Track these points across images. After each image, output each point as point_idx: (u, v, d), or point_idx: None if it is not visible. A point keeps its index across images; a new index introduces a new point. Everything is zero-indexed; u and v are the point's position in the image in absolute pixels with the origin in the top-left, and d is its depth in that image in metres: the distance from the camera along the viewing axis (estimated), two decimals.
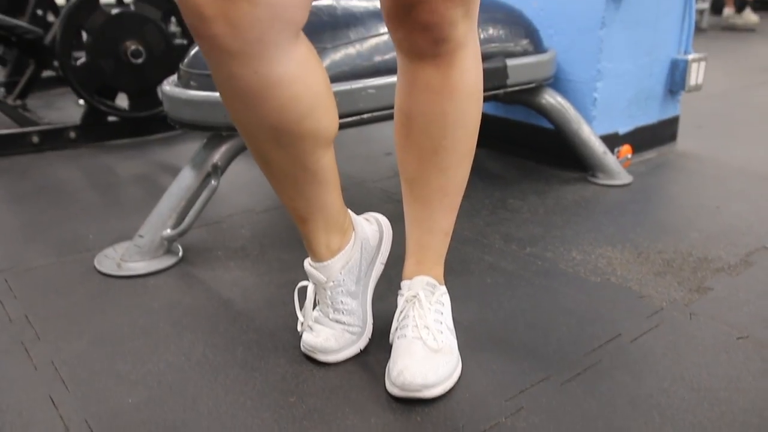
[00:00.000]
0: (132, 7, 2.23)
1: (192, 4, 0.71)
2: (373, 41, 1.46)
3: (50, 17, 3.37)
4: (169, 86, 1.42)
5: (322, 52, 1.39)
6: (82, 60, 2.20)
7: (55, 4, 3.46)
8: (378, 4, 1.54)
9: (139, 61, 2.21)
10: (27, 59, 2.80)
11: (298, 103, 0.80)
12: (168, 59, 2.28)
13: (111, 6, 2.27)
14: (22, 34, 2.46)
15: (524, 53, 1.76)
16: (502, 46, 1.72)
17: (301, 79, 0.79)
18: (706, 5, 5.66)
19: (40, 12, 3.10)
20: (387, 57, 1.48)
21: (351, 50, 1.44)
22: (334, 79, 1.40)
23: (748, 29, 5.94)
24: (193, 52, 1.43)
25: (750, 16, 6.28)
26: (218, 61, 0.76)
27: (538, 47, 1.81)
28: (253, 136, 0.85)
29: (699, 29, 5.62)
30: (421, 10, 0.85)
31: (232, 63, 0.74)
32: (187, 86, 1.38)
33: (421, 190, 1.02)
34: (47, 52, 2.58)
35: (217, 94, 1.32)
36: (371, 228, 1.09)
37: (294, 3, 0.73)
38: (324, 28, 1.43)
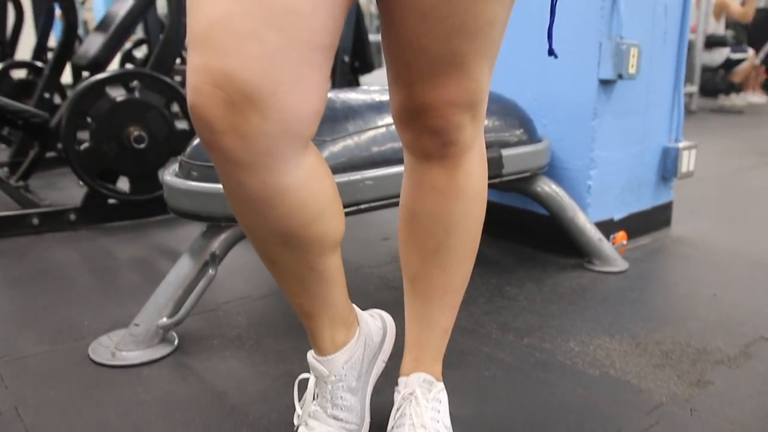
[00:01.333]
0: (137, 94, 2.29)
1: (203, 117, 0.72)
2: (371, 133, 1.50)
3: (57, 99, 3.46)
4: (169, 176, 1.44)
5: (321, 144, 1.43)
6: (86, 145, 2.24)
7: (62, 87, 3.57)
8: (375, 97, 1.59)
9: (142, 146, 2.26)
10: (32, 141, 2.86)
11: (306, 210, 0.81)
12: (170, 144, 2.33)
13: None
14: (29, 118, 2.52)
15: (519, 143, 1.80)
16: (498, 137, 1.77)
17: (309, 187, 0.80)
18: (695, 88, 5.83)
19: (47, 95, 3.19)
20: (384, 148, 1.51)
21: (349, 142, 1.48)
22: (333, 170, 1.42)
23: (737, 111, 6.10)
24: (194, 143, 1.46)
25: (738, 100, 6.47)
26: (227, 171, 0.76)
27: (532, 137, 1.85)
28: (261, 240, 0.85)
29: (689, 111, 5.77)
30: (430, 115, 0.88)
31: (241, 173, 0.75)
32: (187, 177, 1.41)
33: (423, 287, 1.02)
34: (52, 135, 2.63)
35: (216, 185, 1.34)
36: (375, 324, 1.09)
37: (304, 118, 0.75)
38: (324, 122, 1.46)
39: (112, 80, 2.28)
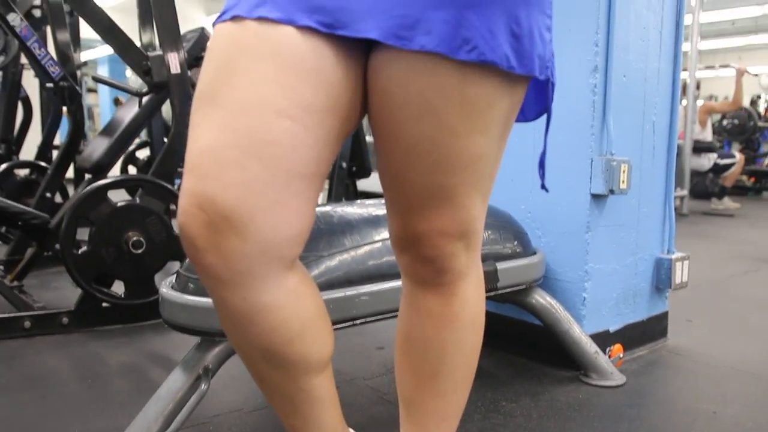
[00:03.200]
0: (137, 200, 2.33)
1: (187, 235, 0.77)
2: (367, 248, 1.52)
3: (57, 197, 3.51)
4: (166, 289, 1.45)
5: (318, 260, 1.44)
6: (84, 249, 2.26)
7: (64, 187, 3.63)
8: (372, 211, 1.62)
9: (140, 251, 2.27)
10: (30, 240, 2.87)
11: (286, 328, 0.83)
12: (168, 249, 2.35)
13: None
14: (29, 219, 2.55)
15: (513, 256, 1.82)
16: (492, 249, 1.79)
17: (290, 306, 0.82)
18: (685, 192, 5.94)
19: (48, 194, 3.23)
20: (381, 262, 1.53)
21: (346, 257, 1.49)
22: (329, 285, 1.44)
23: (728, 214, 6.20)
24: None
25: (730, 203, 6.59)
26: (211, 287, 0.80)
27: (526, 249, 1.88)
28: (246, 355, 0.87)
29: (681, 215, 5.86)
30: (423, 244, 0.90)
31: (223, 289, 0.79)
32: (184, 290, 1.41)
33: (419, 414, 1.01)
34: (51, 236, 2.65)
35: (211, 300, 1.34)
36: None
37: (283, 240, 0.78)
38: (321, 236, 1.49)
39: (114, 186, 2.32)
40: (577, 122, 1.93)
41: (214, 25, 0.84)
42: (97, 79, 2.65)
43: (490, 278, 1.73)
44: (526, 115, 0.95)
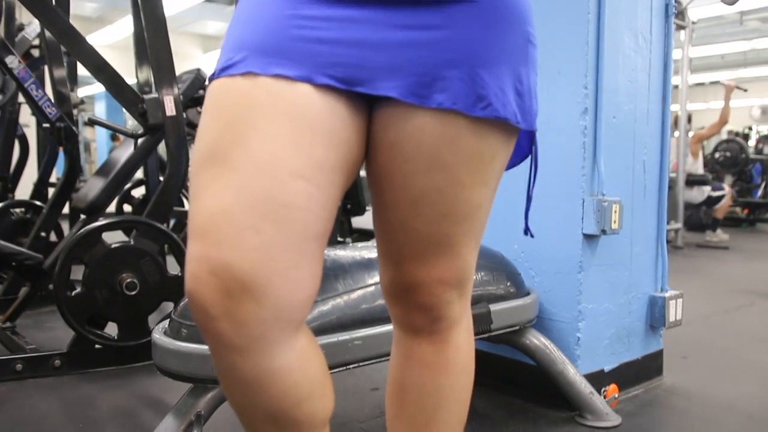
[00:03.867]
0: (132, 241, 2.33)
1: (199, 303, 0.74)
2: (360, 292, 1.53)
3: (52, 236, 3.51)
4: (158, 335, 1.44)
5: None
6: (77, 291, 2.25)
7: (59, 226, 3.63)
8: (364, 254, 1.63)
9: (133, 293, 2.27)
10: (23, 281, 2.86)
11: (297, 390, 0.81)
12: (162, 290, 2.34)
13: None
14: (23, 260, 2.55)
15: (507, 297, 1.83)
16: (485, 291, 1.79)
17: (301, 368, 0.81)
18: (679, 225, 5.97)
19: (43, 233, 3.23)
20: (374, 305, 1.53)
21: (339, 301, 1.50)
22: (322, 330, 1.44)
23: (722, 246, 6.22)
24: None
25: (722, 235, 6.61)
26: (221, 354, 0.77)
27: (520, 290, 1.88)
28: (249, 417, 0.84)
29: (675, 247, 5.87)
30: (420, 293, 0.91)
31: (234, 356, 0.76)
32: (177, 336, 1.41)
33: None
34: (45, 276, 2.65)
35: (205, 346, 1.34)
36: None
37: (297, 303, 0.77)
38: None
39: (109, 228, 2.32)
40: (567, 163, 1.95)
41: (212, 78, 0.81)
42: (94, 121, 2.66)
43: (484, 320, 1.73)
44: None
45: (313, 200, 0.76)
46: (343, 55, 0.77)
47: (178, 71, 2.67)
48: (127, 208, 4.46)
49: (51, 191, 3.79)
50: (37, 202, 3.72)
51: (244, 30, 0.81)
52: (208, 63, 11.56)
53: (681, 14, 5.53)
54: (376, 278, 1.56)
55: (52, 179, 4.20)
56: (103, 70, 2.43)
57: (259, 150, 0.74)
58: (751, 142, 9.38)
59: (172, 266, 2.47)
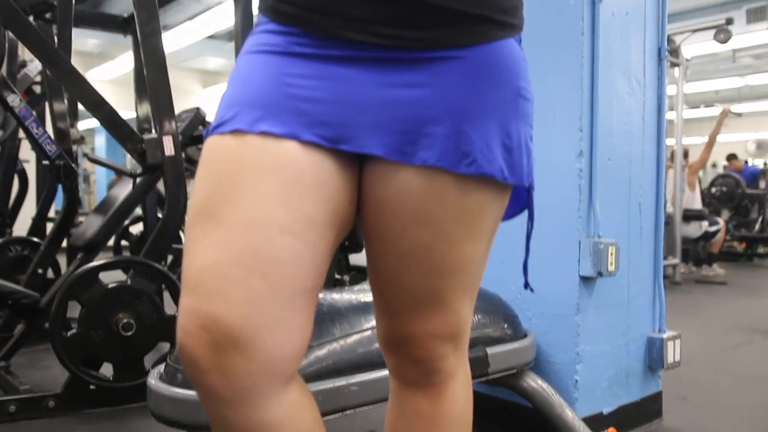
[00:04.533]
0: (129, 281, 2.33)
1: (189, 356, 0.75)
2: (356, 336, 1.52)
3: (50, 272, 3.49)
4: (153, 380, 1.43)
5: (307, 350, 1.44)
6: (73, 331, 2.24)
7: (56, 262, 3.62)
8: (361, 298, 1.63)
9: (129, 333, 2.26)
10: (19, 319, 2.85)
11: None
12: (158, 330, 2.33)
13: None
14: (19, 299, 2.54)
15: (504, 340, 1.82)
16: (482, 333, 1.79)
17: (292, 421, 0.81)
18: (677, 260, 5.96)
19: (40, 270, 3.22)
20: (371, 350, 1.52)
21: (335, 346, 1.49)
22: (318, 375, 1.43)
23: (720, 282, 6.21)
24: None
25: (718, 269, 6.62)
26: (212, 406, 0.78)
27: (517, 332, 1.87)
28: None
29: (673, 283, 5.87)
30: (413, 346, 0.91)
31: (224, 408, 0.77)
32: (172, 381, 1.40)
33: None
34: (41, 315, 2.63)
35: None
36: None
37: (286, 356, 0.77)
38: None
39: (106, 268, 2.32)
40: (564, 205, 1.96)
41: (206, 135, 0.83)
42: (93, 160, 2.69)
43: (481, 364, 1.72)
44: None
45: (302, 255, 0.77)
46: (329, 113, 0.79)
47: (178, 105, 2.69)
48: (124, 242, 4.45)
49: (50, 226, 3.80)
50: (35, 239, 3.72)
51: (237, 89, 0.83)
52: (208, 98, 11.69)
53: (675, 52, 5.62)
54: (373, 322, 1.56)
55: (51, 212, 4.21)
56: (102, 110, 2.45)
57: (248, 207, 0.76)
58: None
59: (169, 305, 2.47)
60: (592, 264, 1.91)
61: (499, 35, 0.84)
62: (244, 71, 0.84)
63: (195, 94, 11.55)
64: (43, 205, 3.93)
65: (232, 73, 0.86)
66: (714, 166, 12.53)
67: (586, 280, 1.95)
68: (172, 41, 7.90)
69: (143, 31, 2.49)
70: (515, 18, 0.86)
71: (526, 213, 0.97)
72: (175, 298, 2.41)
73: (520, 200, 0.96)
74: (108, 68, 9.96)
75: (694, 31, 5.52)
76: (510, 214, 0.97)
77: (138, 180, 2.60)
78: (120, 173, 2.72)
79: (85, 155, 2.66)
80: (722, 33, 5.35)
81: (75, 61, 2.63)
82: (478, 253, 0.89)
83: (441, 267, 0.86)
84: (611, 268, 1.93)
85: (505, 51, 0.84)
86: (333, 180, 0.80)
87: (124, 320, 2.25)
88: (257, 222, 0.75)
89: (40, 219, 3.93)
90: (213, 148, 0.81)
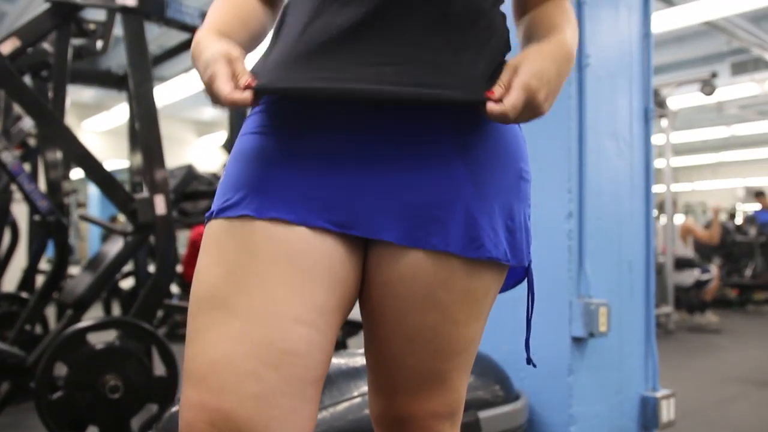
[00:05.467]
0: (116, 342, 2.30)
1: None
2: (346, 404, 1.51)
3: (38, 328, 3.45)
4: None
5: None
6: (59, 394, 2.20)
7: (45, 318, 3.58)
8: (350, 363, 1.61)
9: (116, 395, 2.22)
10: (4, 379, 2.80)
11: None
12: (146, 392, 2.29)
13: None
14: (5, 359, 2.50)
15: (496, 402, 1.80)
16: (474, 396, 1.77)
17: None
18: (670, 309, 5.95)
19: (28, 326, 3.18)
20: (360, 417, 1.50)
21: (325, 414, 1.47)
22: None
23: (714, 330, 6.19)
24: (171, 412, 1.45)
25: (711, 317, 6.61)
26: None
27: (509, 394, 1.86)
28: None
29: (667, 332, 5.84)
30: (412, 426, 0.90)
31: None
32: None
33: None
34: (27, 374, 2.59)
35: None
36: None
37: None
38: None
39: (94, 329, 2.30)
40: (554, 266, 1.96)
41: (209, 218, 0.82)
42: (86, 219, 2.69)
43: (473, 429, 1.70)
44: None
45: (314, 345, 0.77)
46: (338, 199, 0.79)
47: (174, 155, 2.72)
48: (115, 295, 4.42)
49: (39, 278, 3.77)
50: (24, 295, 3.69)
51: (241, 169, 0.82)
52: (201, 147, 11.78)
53: (662, 104, 5.72)
54: (363, 389, 1.54)
55: (43, 261, 4.18)
56: (95, 171, 2.47)
57: (260, 296, 0.75)
58: (738, 220, 9.50)
59: (158, 366, 2.44)
60: (584, 325, 1.90)
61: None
62: (246, 150, 0.83)
63: (190, 143, 11.64)
64: (34, 258, 3.91)
65: (233, 151, 0.86)
66: (704, 212, 12.65)
67: (577, 340, 1.94)
68: (168, 93, 7.98)
69: (138, 92, 2.52)
70: None
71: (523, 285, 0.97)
72: (164, 358, 2.38)
73: (516, 273, 0.96)
74: (103, 119, 10.03)
75: (680, 84, 5.63)
76: (506, 286, 0.97)
77: (129, 238, 2.60)
78: (112, 232, 2.71)
79: (80, 217, 2.65)
80: (708, 86, 5.46)
81: (70, 112, 2.65)
82: (479, 332, 0.90)
83: (446, 348, 0.86)
84: (603, 328, 1.92)
85: (507, 134, 0.87)
86: (342, 265, 0.80)
87: (111, 382, 2.22)
88: (271, 312, 0.75)
89: (30, 271, 3.90)
90: (221, 232, 0.80)
